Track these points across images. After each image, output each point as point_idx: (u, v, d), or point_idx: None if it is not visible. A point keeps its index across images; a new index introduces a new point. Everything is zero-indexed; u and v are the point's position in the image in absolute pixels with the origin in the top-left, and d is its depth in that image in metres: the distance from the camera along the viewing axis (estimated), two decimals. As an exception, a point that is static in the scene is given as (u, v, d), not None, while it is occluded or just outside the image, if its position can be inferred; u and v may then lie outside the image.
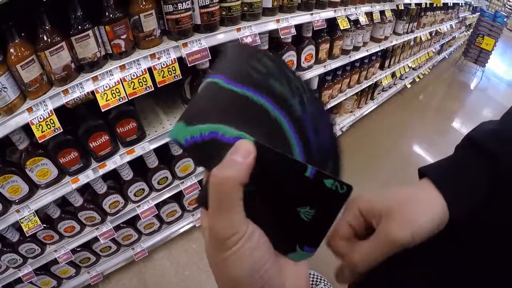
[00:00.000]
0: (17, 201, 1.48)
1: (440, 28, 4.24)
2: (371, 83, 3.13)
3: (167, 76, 1.45)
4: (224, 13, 1.50)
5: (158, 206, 1.98)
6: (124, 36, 1.34)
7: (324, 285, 1.74)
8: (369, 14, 2.46)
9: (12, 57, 1.14)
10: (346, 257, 0.44)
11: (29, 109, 1.25)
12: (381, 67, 3.28)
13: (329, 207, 0.34)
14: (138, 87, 1.41)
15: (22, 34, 1.16)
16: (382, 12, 2.61)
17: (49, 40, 1.18)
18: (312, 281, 1.77)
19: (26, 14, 1.13)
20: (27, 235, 1.60)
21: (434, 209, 0.43)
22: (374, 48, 2.76)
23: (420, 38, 3.62)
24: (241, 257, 0.31)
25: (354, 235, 0.47)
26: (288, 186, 0.33)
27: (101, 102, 1.34)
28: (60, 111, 1.29)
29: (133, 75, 1.38)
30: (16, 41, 1.14)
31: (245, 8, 1.56)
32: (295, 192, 0.33)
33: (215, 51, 1.52)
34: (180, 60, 1.47)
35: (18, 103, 1.24)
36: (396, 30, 3.09)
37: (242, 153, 0.31)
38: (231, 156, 0.31)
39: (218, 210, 0.30)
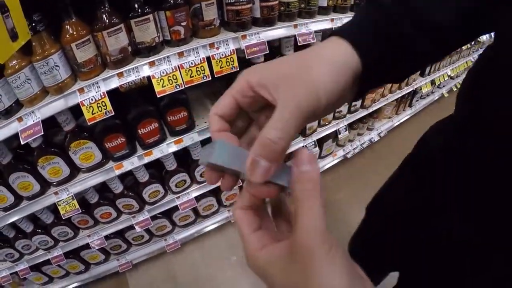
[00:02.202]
0: (55, 183, 1.39)
1: (480, 38, 3.98)
2: (411, 89, 3.01)
3: (225, 66, 1.36)
4: (282, 8, 1.44)
5: (197, 198, 1.86)
6: (184, 23, 1.26)
7: None
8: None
9: (67, 36, 1.09)
10: (258, 138, 0.34)
11: (81, 90, 1.16)
12: (422, 74, 3.14)
13: None
14: (195, 76, 1.30)
15: (79, 13, 1.10)
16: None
17: (108, 20, 1.11)
18: None
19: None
20: (62, 218, 1.51)
21: (336, 60, 0.39)
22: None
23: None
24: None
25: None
26: None
27: (157, 88, 1.24)
28: (109, 95, 1.20)
29: (191, 63, 1.28)
30: (73, 19, 1.08)
31: (302, 5, 1.49)
32: None
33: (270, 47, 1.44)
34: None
35: (69, 83, 1.17)
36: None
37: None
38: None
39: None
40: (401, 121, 3.29)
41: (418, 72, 3.03)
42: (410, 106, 3.44)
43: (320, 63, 0.38)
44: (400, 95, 2.86)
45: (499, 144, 0.46)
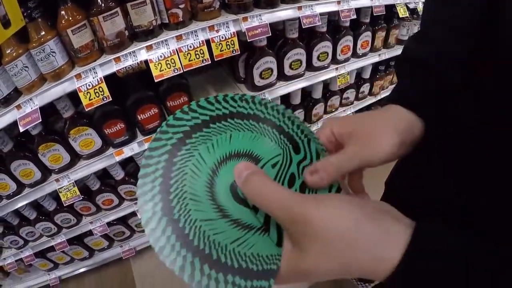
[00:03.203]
0: (57, 170, 1.39)
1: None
2: None
3: (225, 50, 1.32)
4: (285, -11, 1.38)
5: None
6: (182, 6, 1.23)
7: None
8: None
9: (63, 21, 1.08)
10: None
11: (78, 76, 1.15)
12: None
13: None
14: (194, 59, 1.28)
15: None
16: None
17: (103, 4, 1.10)
18: None
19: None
20: (64, 205, 1.52)
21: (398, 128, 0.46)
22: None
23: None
24: None
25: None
26: None
27: (155, 72, 1.22)
28: (108, 81, 1.19)
29: (190, 47, 1.25)
30: (68, 5, 1.07)
31: (307, -14, 1.43)
32: None
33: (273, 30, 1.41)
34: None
35: (66, 69, 1.16)
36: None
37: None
38: None
39: None
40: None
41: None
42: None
43: (386, 135, 0.45)
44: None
45: (497, 138, 0.48)
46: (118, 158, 1.43)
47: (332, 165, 0.41)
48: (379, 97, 2.38)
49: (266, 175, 0.36)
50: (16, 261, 1.75)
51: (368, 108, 2.47)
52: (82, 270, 2.01)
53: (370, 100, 2.29)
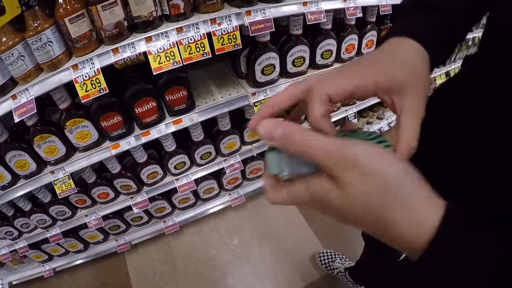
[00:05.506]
0: (52, 162, 1.38)
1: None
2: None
3: (227, 44, 1.29)
4: (290, -17, 1.35)
5: (197, 181, 1.84)
6: None
7: (340, 259, 1.85)
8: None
9: (61, 10, 1.04)
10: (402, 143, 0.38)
11: (74, 66, 1.13)
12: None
13: None
14: (194, 52, 1.24)
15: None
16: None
17: None
18: (329, 258, 1.87)
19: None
20: (59, 198, 1.51)
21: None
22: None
23: (478, 39, 3.26)
24: None
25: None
26: None
27: (153, 65, 1.19)
28: (106, 73, 1.16)
29: (190, 39, 1.22)
30: None
31: (313, -18, 1.39)
32: None
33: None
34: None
35: (63, 59, 1.13)
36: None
37: None
38: None
39: None
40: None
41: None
42: (423, 96, 3.37)
43: (420, 69, 0.43)
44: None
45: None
46: (114, 152, 1.40)
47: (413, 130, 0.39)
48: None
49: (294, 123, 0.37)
50: (10, 252, 1.74)
51: (369, 108, 2.44)
52: (76, 262, 2.00)
53: (373, 100, 2.25)
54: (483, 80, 0.57)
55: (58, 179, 1.41)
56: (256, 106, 1.53)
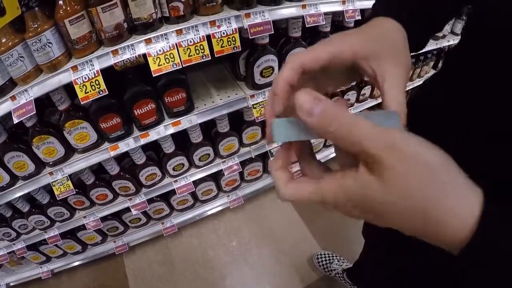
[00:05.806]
0: (51, 163, 1.38)
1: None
2: (422, 81, 2.88)
3: (226, 46, 1.29)
4: (290, -14, 1.35)
5: (196, 183, 1.85)
6: None
7: (338, 261, 1.85)
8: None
9: (61, 11, 1.04)
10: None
11: (74, 68, 1.13)
12: (434, 67, 3.03)
13: None
14: (194, 55, 1.25)
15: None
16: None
17: None
18: (327, 260, 1.88)
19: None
20: (57, 199, 1.50)
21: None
22: (431, 45, 2.48)
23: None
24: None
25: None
26: None
27: (153, 67, 1.19)
28: (106, 74, 1.16)
29: (190, 42, 1.22)
30: None
31: (311, -15, 1.40)
32: None
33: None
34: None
35: (62, 61, 1.13)
36: (454, 29, 2.79)
37: None
38: None
39: None
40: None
41: (431, 65, 2.97)
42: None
43: (401, 43, 0.45)
44: (411, 87, 2.79)
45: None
46: (113, 153, 1.41)
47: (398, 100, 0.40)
48: (380, 100, 2.36)
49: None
50: (8, 253, 1.74)
51: (369, 110, 2.45)
52: (74, 264, 1.99)
53: (371, 102, 2.27)
54: (463, 74, 0.58)
55: (57, 180, 1.41)
56: (255, 108, 1.54)
